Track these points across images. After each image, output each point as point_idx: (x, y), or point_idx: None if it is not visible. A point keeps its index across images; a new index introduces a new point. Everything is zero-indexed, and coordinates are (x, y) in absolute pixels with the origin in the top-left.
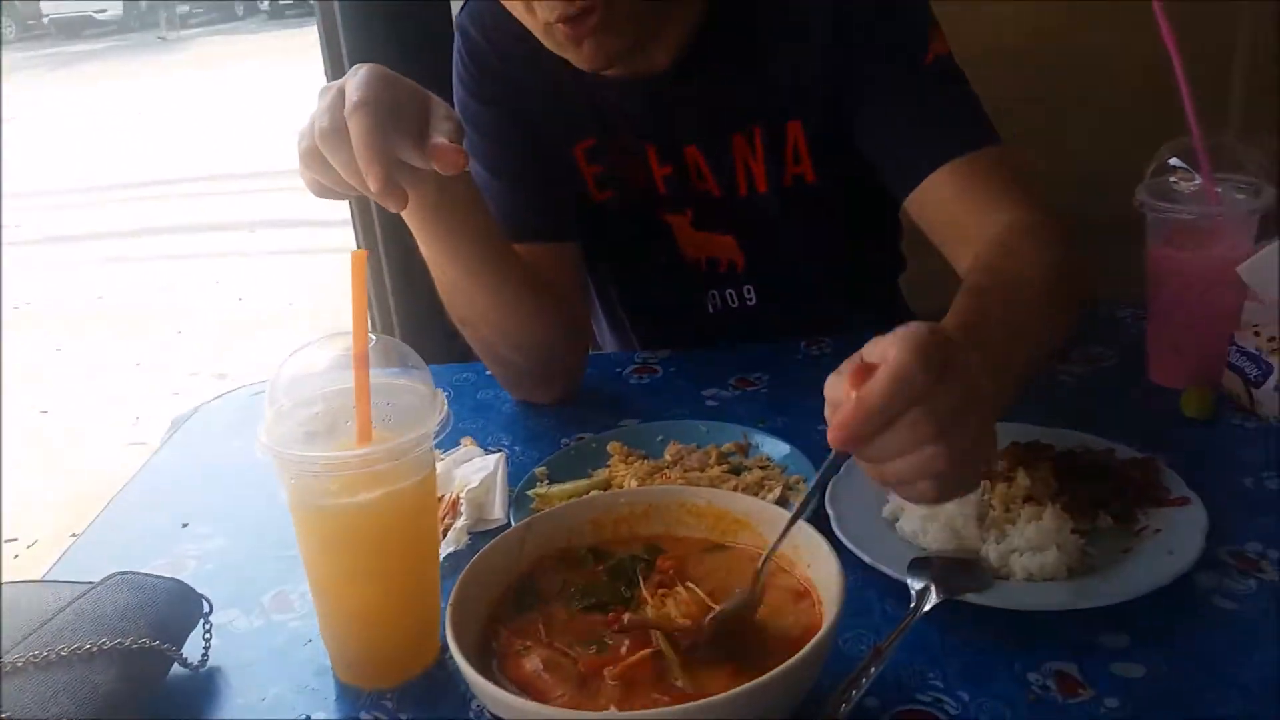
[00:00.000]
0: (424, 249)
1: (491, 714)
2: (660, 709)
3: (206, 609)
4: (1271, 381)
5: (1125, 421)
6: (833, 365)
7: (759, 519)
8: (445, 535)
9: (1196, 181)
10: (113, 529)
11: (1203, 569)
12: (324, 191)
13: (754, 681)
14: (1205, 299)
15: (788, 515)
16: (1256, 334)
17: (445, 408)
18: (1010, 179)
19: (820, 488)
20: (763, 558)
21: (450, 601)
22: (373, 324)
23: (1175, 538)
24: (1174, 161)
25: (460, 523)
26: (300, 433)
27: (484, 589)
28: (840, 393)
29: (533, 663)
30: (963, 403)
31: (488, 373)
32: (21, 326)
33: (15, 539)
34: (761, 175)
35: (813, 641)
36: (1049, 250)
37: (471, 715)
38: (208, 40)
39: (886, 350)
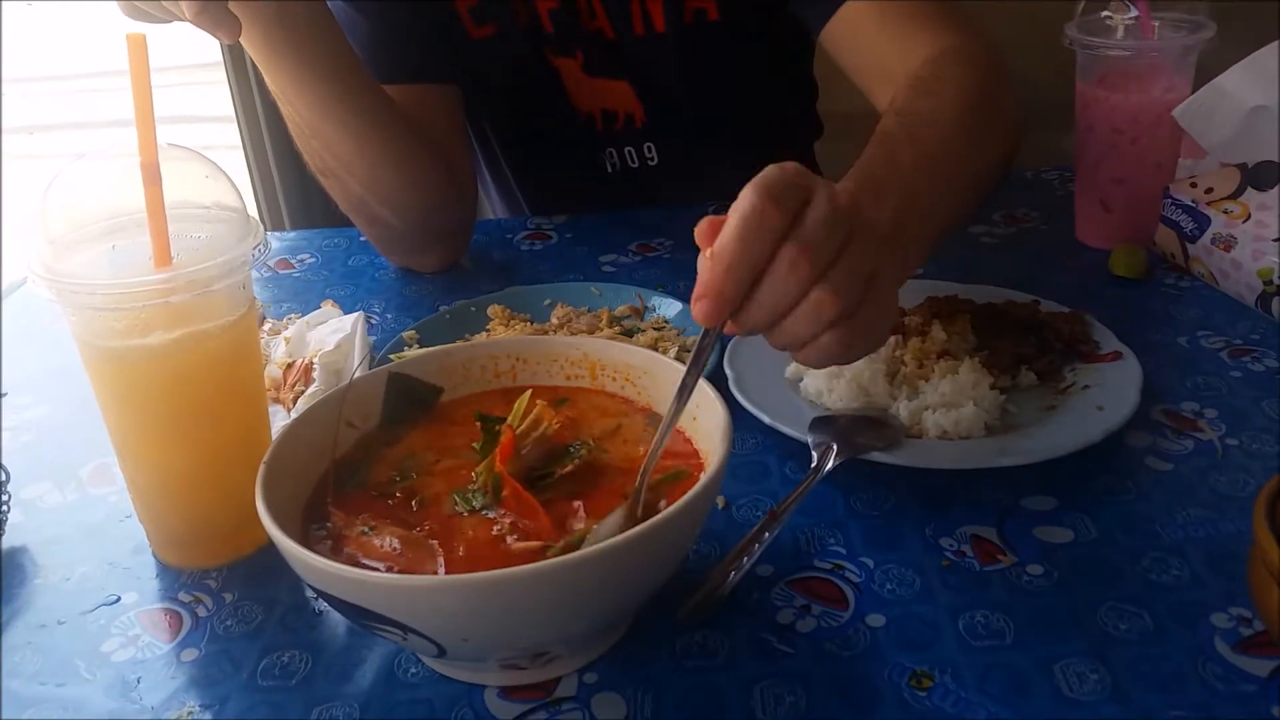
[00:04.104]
0: (272, 84)
1: (319, 593)
2: (520, 567)
3: (3, 477)
4: (1208, 236)
5: (1050, 281)
6: None
7: (644, 368)
8: (296, 404)
9: (1132, 14)
10: None
11: (1135, 428)
12: (140, 14)
13: (624, 535)
14: (1138, 146)
15: (671, 361)
16: (1193, 185)
17: (262, 233)
18: (934, 2)
19: (699, 356)
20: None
21: (264, 460)
22: (254, 189)
23: (1105, 394)
24: None
25: (313, 388)
26: (82, 261)
27: (310, 454)
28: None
29: (385, 542)
30: (836, 236)
31: (363, 239)
32: None
33: None
34: (659, 11)
35: (691, 491)
36: (972, 79)
37: (309, 595)
38: None
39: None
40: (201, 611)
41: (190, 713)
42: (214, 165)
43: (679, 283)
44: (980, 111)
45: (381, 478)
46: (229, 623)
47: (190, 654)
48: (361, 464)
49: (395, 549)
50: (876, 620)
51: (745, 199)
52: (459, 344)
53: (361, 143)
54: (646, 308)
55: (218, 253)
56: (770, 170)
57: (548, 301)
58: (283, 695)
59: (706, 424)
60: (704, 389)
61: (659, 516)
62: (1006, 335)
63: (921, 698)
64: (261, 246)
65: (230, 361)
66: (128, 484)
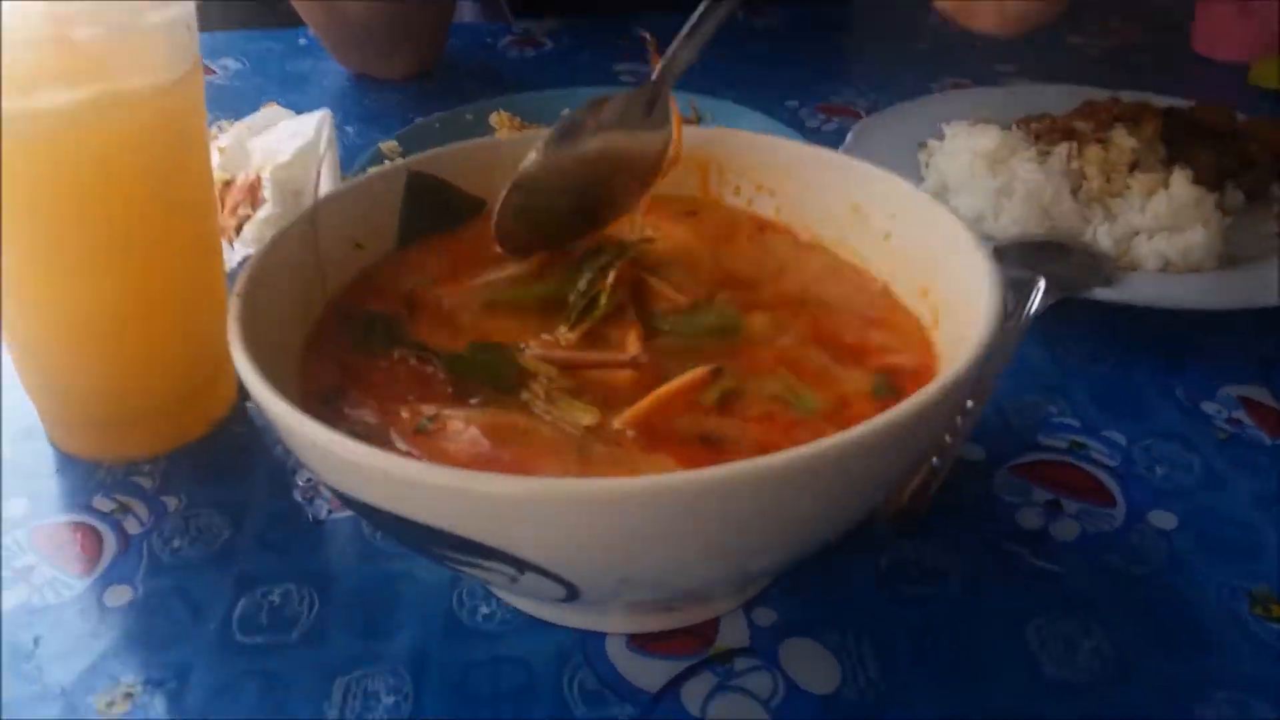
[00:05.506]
0: None
1: (333, 491)
2: (727, 466)
3: None
4: None
5: (1181, 97)
6: (783, 40)
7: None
8: (240, 232)
9: None
10: None
11: None
12: None
13: (876, 421)
14: None
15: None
16: None
17: None
18: None
19: None
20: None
21: (236, 291)
22: None
23: None
24: None
25: (264, 213)
26: None
27: (297, 289)
28: None
29: (467, 437)
30: None
31: (302, 41)
32: None
33: None
34: None
35: (954, 369)
36: None
37: (298, 497)
38: None
39: None
40: (132, 526)
41: (129, 695)
42: None
43: (728, 91)
44: None
45: (426, 332)
46: (177, 543)
47: (120, 594)
48: (390, 311)
49: (481, 447)
50: (1165, 520)
51: None
52: (510, 136)
53: None
54: (700, 117)
55: None
56: None
57: (567, 110)
58: (280, 659)
59: (959, 280)
60: (965, 238)
61: (916, 398)
62: (1203, 146)
63: (1277, 631)
64: None
65: (170, 146)
66: (6, 338)
